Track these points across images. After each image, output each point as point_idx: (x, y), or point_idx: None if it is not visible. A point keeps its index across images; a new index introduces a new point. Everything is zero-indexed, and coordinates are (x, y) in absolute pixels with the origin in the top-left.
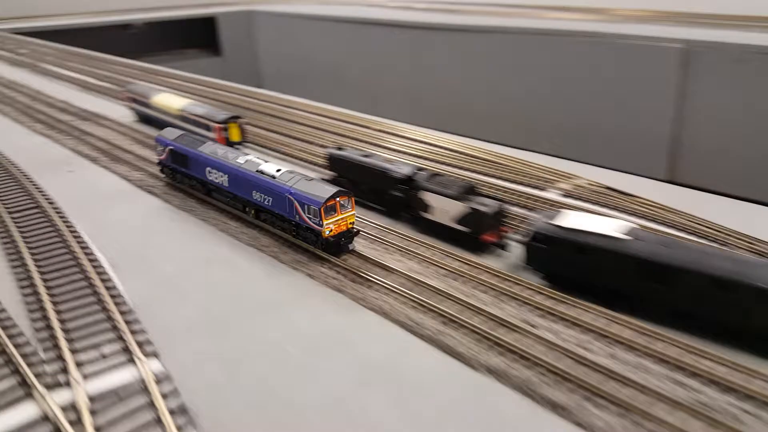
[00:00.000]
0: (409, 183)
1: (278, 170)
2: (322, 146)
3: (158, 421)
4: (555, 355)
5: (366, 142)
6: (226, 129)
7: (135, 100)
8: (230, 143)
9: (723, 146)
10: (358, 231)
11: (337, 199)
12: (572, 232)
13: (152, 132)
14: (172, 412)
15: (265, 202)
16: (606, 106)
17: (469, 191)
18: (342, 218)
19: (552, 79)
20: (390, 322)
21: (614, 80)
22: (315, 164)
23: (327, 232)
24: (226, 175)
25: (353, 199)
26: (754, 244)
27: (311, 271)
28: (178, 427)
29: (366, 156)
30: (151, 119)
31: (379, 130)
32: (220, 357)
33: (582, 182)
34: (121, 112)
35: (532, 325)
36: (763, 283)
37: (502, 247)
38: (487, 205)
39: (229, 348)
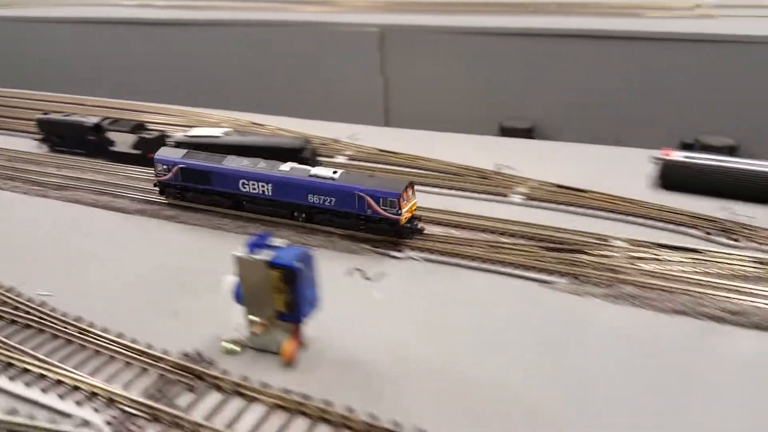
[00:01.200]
0: (98, 129)
1: (334, 172)
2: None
3: None
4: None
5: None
6: None
7: None
8: None
9: (417, 106)
10: (420, 216)
11: (408, 190)
12: (192, 138)
13: None
14: None
15: (326, 203)
16: (338, 82)
17: (138, 127)
18: (410, 206)
19: (289, 61)
20: None
21: (338, 60)
22: (28, 132)
23: (403, 220)
24: (270, 184)
25: (415, 188)
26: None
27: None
28: None
29: (66, 116)
30: None
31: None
32: None
33: (243, 122)
34: None
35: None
36: (283, 146)
37: None
38: (150, 134)
39: None
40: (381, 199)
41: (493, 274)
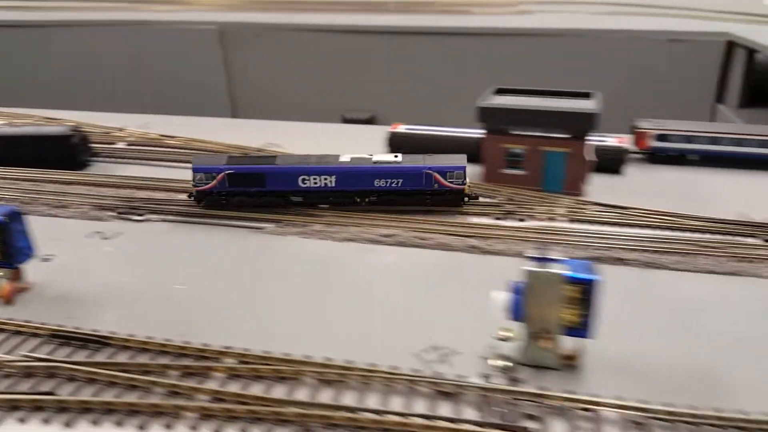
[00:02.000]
0: None
1: (396, 156)
2: None
3: None
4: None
5: None
6: None
7: None
8: None
9: (263, 99)
10: (469, 183)
11: None
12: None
13: None
14: None
15: (392, 185)
16: (182, 77)
17: None
18: None
19: (128, 60)
20: None
21: (180, 56)
22: None
23: (466, 188)
24: (334, 176)
25: None
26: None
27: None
28: None
29: None
30: None
31: None
32: None
33: (37, 118)
34: None
35: None
36: (49, 134)
37: None
38: None
39: None
40: (448, 173)
41: (217, 226)
